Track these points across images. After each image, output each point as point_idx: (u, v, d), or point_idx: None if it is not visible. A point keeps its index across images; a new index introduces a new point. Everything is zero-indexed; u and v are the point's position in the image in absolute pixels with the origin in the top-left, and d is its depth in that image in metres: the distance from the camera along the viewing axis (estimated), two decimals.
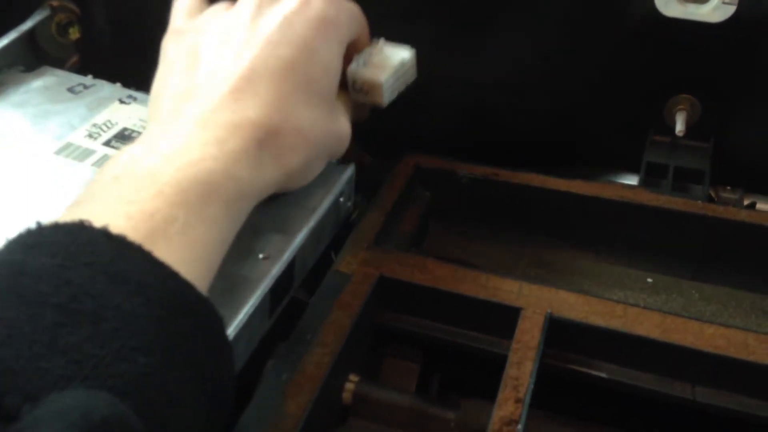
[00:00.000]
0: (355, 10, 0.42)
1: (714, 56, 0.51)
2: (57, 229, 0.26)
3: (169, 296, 0.26)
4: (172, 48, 0.38)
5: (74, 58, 0.55)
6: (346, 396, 0.40)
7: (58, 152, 0.43)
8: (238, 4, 0.39)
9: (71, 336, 0.23)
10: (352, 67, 0.42)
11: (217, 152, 0.32)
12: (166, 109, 0.35)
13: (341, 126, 0.40)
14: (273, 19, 0.37)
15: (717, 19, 0.49)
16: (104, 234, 0.26)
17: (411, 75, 0.46)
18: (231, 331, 0.34)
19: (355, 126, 0.44)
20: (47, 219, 0.27)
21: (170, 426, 0.25)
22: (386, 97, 0.44)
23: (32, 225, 0.27)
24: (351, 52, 0.43)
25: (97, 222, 0.26)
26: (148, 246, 0.26)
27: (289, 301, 0.41)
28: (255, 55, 0.35)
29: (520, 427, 0.34)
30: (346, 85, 0.43)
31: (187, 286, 0.27)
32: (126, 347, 0.24)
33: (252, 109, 0.34)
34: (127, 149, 0.32)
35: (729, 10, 0.49)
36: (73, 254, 0.25)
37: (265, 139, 0.34)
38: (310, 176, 0.40)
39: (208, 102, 0.34)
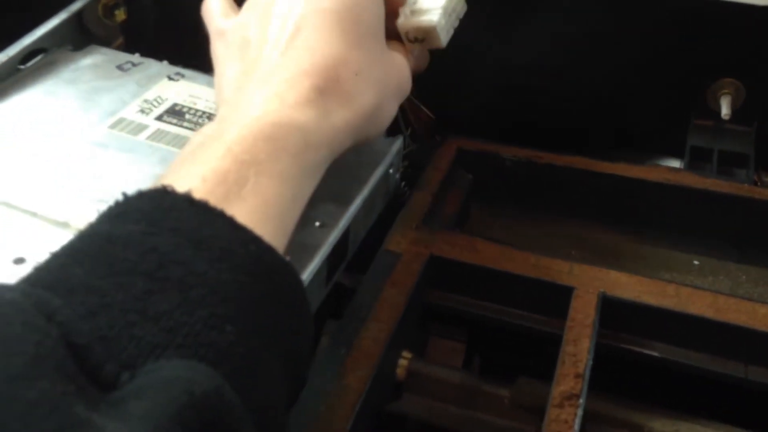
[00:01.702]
0: None
1: (759, 40, 0.51)
2: (141, 197, 0.27)
3: (251, 261, 0.26)
4: (221, 48, 0.39)
5: (119, 40, 0.55)
6: (400, 372, 0.41)
7: (112, 126, 0.43)
8: None
9: (162, 304, 0.23)
10: (401, 20, 0.41)
11: (279, 105, 0.32)
12: (229, 90, 0.36)
13: (399, 65, 0.39)
14: None
15: (764, 2, 0.49)
16: (186, 199, 0.26)
17: (462, 8, 0.44)
18: None
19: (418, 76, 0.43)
20: (113, 191, 0.27)
21: (257, 394, 0.25)
22: (444, 39, 0.43)
23: (118, 196, 0.27)
24: (396, 3, 0.42)
25: (179, 187, 0.26)
26: (225, 208, 0.26)
27: (333, 285, 0.41)
28: (298, 16, 0.35)
29: (581, 401, 0.34)
30: (399, 38, 0.43)
31: (269, 250, 0.27)
32: (214, 315, 0.24)
33: (306, 60, 0.34)
34: (202, 128, 0.33)
35: None
36: (157, 220, 0.25)
37: (325, 86, 0.34)
38: (385, 119, 0.39)
39: (265, 66, 0.34)
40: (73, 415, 0.19)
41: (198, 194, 0.26)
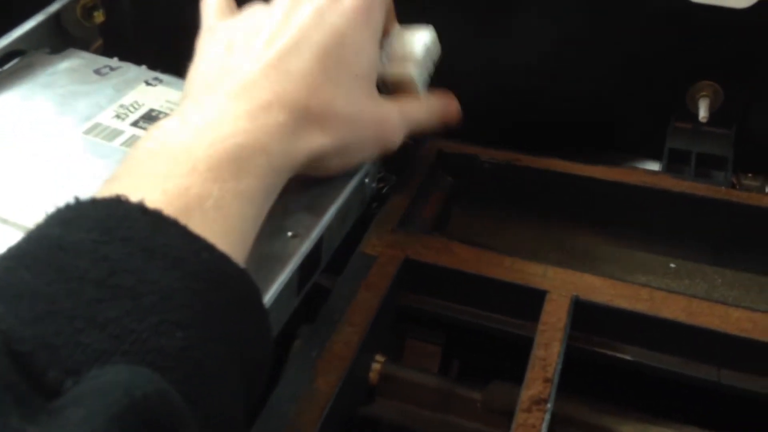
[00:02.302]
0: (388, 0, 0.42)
1: (738, 42, 0.51)
2: (94, 204, 0.27)
3: (205, 269, 0.26)
4: (206, 43, 0.40)
5: (98, 42, 0.55)
6: (373, 375, 0.41)
7: (87, 132, 0.43)
8: (272, 2, 0.40)
9: (110, 311, 0.23)
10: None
11: (249, 126, 0.32)
12: (199, 86, 0.36)
13: (384, 113, 0.40)
14: (306, 11, 0.38)
15: (743, 5, 0.49)
16: (140, 209, 0.26)
17: (436, 53, 0.45)
18: None
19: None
20: (82, 196, 0.27)
21: (209, 399, 0.25)
22: (421, 89, 0.44)
23: (70, 200, 0.27)
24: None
25: (134, 197, 0.26)
26: (183, 221, 0.26)
27: (312, 286, 0.41)
28: (287, 40, 0.36)
29: (549, 405, 0.35)
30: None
31: (223, 257, 0.27)
32: (164, 322, 0.24)
33: (283, 85, 0.34)
34: (162, 123, 0.32)
35: None
36: (110, 229, 0.25)
37: (297, 116, 0.34)
38: (353, 161, 0.40)
39: (240, 78, 0.34)
40: (6, 426, 0.19)
41: (157, 205, 0.26)
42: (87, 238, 0.25)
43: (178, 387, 0.23)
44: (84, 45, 0.54)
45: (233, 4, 0.43)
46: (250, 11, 0.40)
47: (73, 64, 0.49)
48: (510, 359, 0.44)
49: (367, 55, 0.38)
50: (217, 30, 0.40)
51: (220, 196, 0.29)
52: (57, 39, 0.53)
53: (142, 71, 0.50)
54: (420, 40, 0.44)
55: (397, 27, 0.44)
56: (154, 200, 0.27)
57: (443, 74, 0.54)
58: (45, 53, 0.50)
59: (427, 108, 0.45)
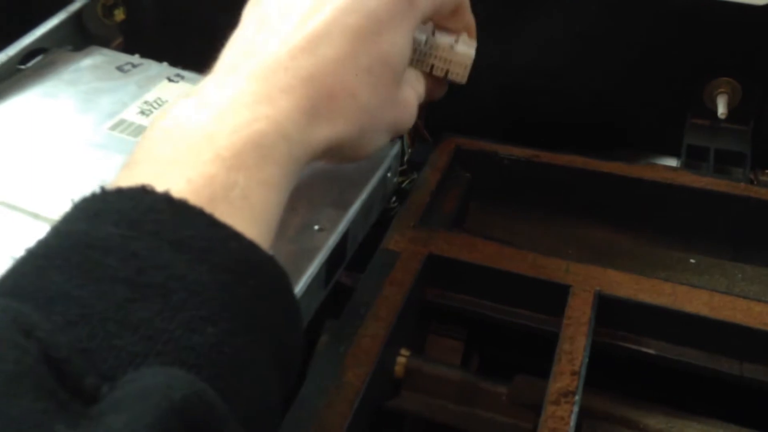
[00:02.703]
0: None
1: (755, 39, 0.52)
2: (120, 195, 0.26)
3: (233, 259, 0.26)
4: (246, 14, 0.38)
5: (119, 40, 0.56)
6: (398, 369, 0.41)
7: (113, 128, 0.44)
8: None
9: (142, 311, 0.23)
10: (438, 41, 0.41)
11: (270, 111, 0.31)
12: (224, 64, 0.35)
13: (405, 101, 0.39)
14: None
15: (761, 2, 0.49)
16: (166, 199, 0.26)
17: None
18: None
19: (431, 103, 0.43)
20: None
21: (244, 392, 0.25)
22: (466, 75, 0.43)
23: (96, 190, 0.26)
24: (453, 27, 0.42)
25: (159, 186, 0.26)
26: (209, 210, 0.26)
27: (334, 284, 0.42)
28: (320, 20, 0.35)
29: (577, 398, 0.35)
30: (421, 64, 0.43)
31: (251, 245, 0.27)
32: (195, 318, 0.24)
33: (307, 69, 0.33)
34: (180, 101, 0.31)
35: None
36: (137, 222, 0.25)
37: (318, 101, 0.33)
38: (367, 149, 0.38)
39: (264, 59, 0.33)
40: None
41: (182, 195, 0.26)
42: (115, 233, 0.25)
43: (213, 383, 0.23)
44: (105, 42, 0.55)
45: None
46: None
47: (95, 61, 0.50)
48: (532, 354, 0.44)
49: (400, 44, 0.37)
50: (259, 3, 0.38)
51: (245, 185, 0.28)
52: (78, 37, 0.53)
53: (164, 68, 0.50)
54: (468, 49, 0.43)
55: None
56: (180, 190, 0.26)
57: None
58: (67, 51, 0.51)
59: (438, 84, 0.44)
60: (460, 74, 0.42)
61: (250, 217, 0.28)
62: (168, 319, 0.23)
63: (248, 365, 0.25)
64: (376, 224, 0.47)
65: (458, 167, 0.54)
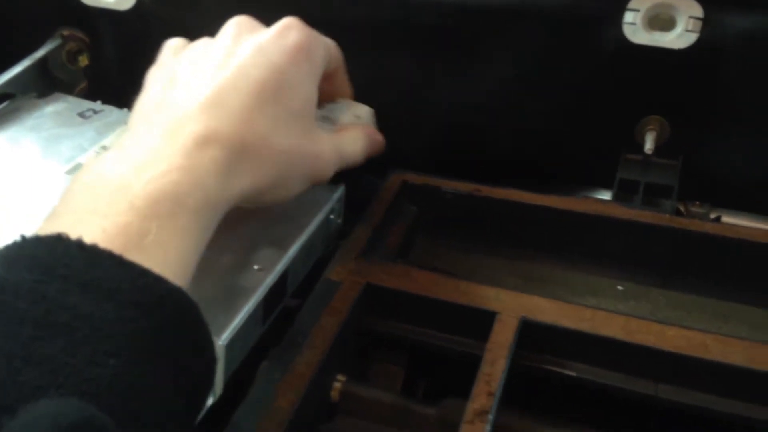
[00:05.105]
0: (331, 44, 0.44)
1: (680, 80, 0.55)
2: (36, 242, 0.28)
3: (139, 294, 0.27)
4: (152, 76, 0.41)
5: (83, 84, 0.59)
6: (334, 394, 0.43)
7: (69, 172, 0.46)
8: (217, 35, 0.41)
9: (47, 348, 0.25)
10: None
11: (185, 162, 0.33)
12: (139, 120, 0.37)
13: (319, 148, 0.41)
14: (248, 47, 0.39)
15: (681, 46, 0.53)
16: (78, 245, 0.28)
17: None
18: (226, 335, 0.37)
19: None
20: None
21: (145, 418, 0.26)
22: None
23: (17, 238, 0.29)
24: (328, 89, 0.45)
25: (73, 234, 0.28)
26: (124, 255, 0.28)
27: (282, 309, 0.44)
28: (227, 75, 0.37)
29: (490, 416, 0.37)
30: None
31: (158, 279, 0.28)
32: (98, 352, 0.25)
33: (219, 121, 0.35)
34: (101, 156, 0.34)
35: (692, 38, 0.53)
36: (50, 267, 0.27)
37: (233, 151, 0.35)
38: (285, 194, 0.41)
39: (177, 113, 0.35)
40: None
41: (96, 242, 0.28)
42: (28, 278, 0.27)
43: (111, 411, 0.24)
44: (70, 87, 0.58)
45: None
46: (195, 45, 0.41)
47: (57, 107, 0.53)
48: (466, 377, 0.47)
49: (304, 93, 0.39)
50: (164, 65, 0.41)
51: (158, 232, 0.30)
52: (44, 82, 0.56)
53: (124, 114, 0.53)
54: (367, 110, 0.48)
55: (344, 99, 0.48)
56: (94, 237, 0.28)
57: (405, 110, 0.58)
58: (32, 98, 0.54)
59: (357, 140, 0.47)
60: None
61: (163, 262, 0.30)
62: (71, 354, 0.25)
63: (150, 392, 0.27)
64: (326, 254, 0.50)
65: (405, 201, 0.57)
